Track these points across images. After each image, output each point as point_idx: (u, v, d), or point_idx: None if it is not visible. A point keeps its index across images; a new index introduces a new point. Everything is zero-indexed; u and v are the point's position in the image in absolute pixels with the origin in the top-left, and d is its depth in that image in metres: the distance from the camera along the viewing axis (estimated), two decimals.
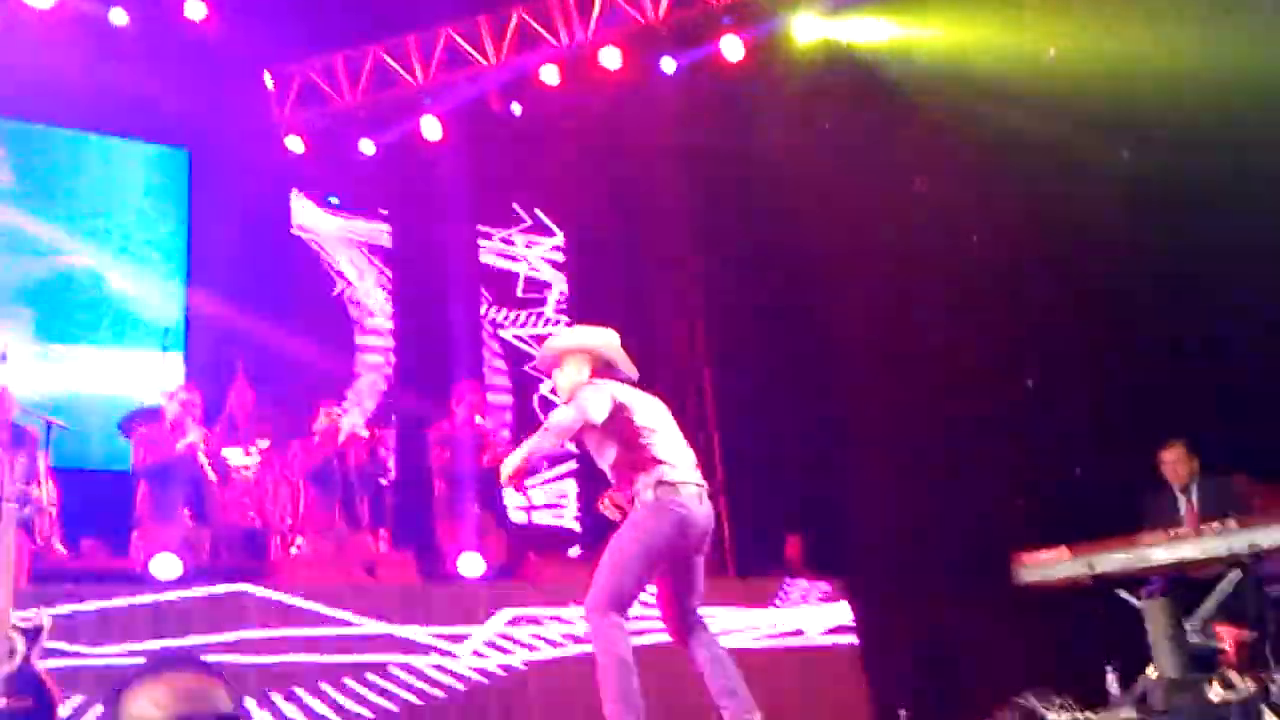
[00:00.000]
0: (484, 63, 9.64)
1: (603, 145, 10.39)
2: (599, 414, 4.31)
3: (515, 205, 11.04)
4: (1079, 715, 3.18)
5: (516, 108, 9.90)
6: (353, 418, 8.24)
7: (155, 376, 8.99)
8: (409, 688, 5.85)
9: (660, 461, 4.32)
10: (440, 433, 7.42)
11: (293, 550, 6.88)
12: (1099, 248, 7.37)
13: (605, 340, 4.70)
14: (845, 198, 8.47)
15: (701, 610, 4.41)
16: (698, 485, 4.39)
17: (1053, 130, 7.48)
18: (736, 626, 6.77)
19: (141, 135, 9.67)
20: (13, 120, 9.19)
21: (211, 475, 6.85)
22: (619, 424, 4.36)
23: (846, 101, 8.75)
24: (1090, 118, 7.36)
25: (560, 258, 11.12)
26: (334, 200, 10.41)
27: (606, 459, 4.44)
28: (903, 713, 4.72)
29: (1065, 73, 7.65)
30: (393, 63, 9.75)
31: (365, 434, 7.56)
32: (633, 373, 4.66)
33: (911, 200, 8.23)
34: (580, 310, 10.51)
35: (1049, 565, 5.11)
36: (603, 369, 4.60)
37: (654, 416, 4.45)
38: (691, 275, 10.25)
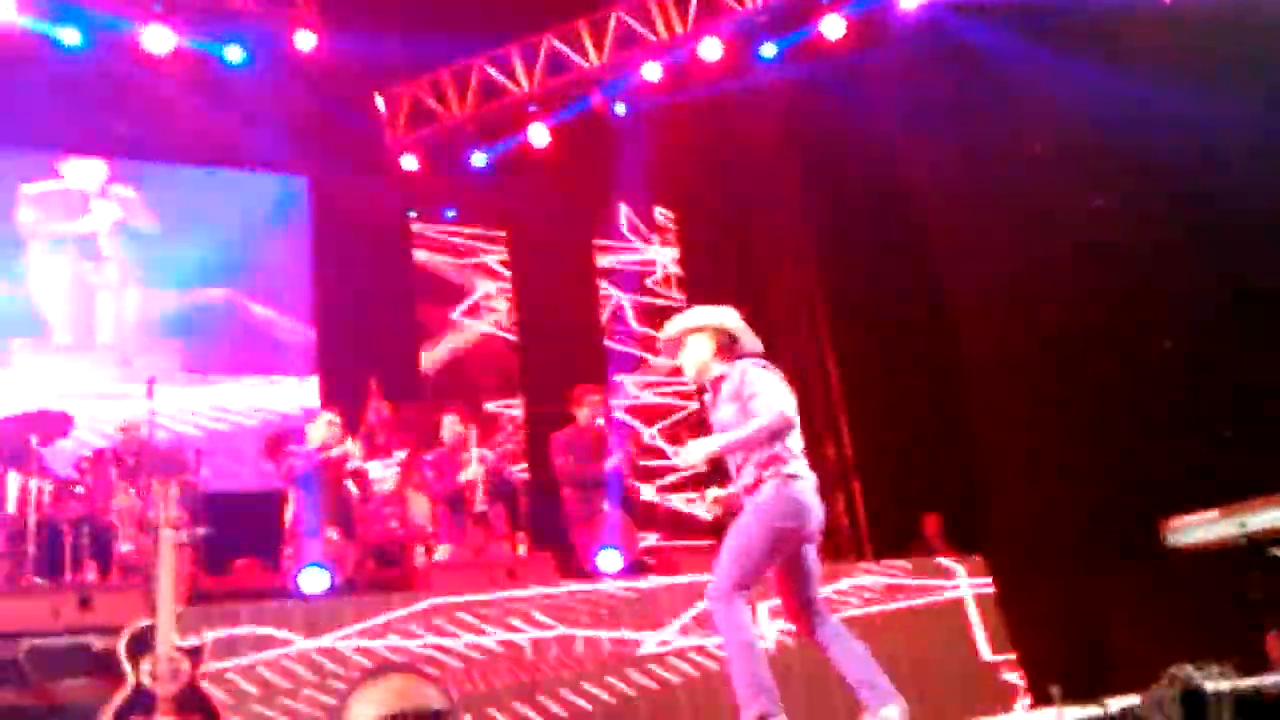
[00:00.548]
0: (586, 65, 9.73)
1: (710, 138, 10.37)
2: (790, 404, 4.33)
3: (627, 206, 11.10)
4: (1239, 683, 3.08)
5: (621, 108, 9.96)
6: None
7: (295, 399, 9.36)
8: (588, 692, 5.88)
9: (788, 453, 4.33)
10: (562, 439, 7.50)
11: (435, 557, 7.05)
12: (1230, 204, 7.08)
13: (726, 316, 4.61)
14: (960, 170, 8.31)
15: (823, 599, 4.39)
16: (814, 478, 4.38)
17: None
18: (876, 600, 6.71)
19: (263, 167, 10.00)
20: (144, 163, 9.61)
21: (354, 489, 7.06)
22: None
23: (955, 71, 8.56)
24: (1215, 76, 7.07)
25: (675, 253, 11.15)
26: (451, 214, 10.62)
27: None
28: (1055, 690, 4.61)
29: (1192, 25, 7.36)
30: (497, 74, 9.90)
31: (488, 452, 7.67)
32: (758, 346, 4.60)
33: (1028, 167, 8.02)
34: (699, 303, 10.51)
35: (1199, 527, 4.94)
36: (727, 345, 4.53)
37: (790, 406, 4.46)
38: (808, 260, 10.18)
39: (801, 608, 4.33)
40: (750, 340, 4.60)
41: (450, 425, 7.39)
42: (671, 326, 4.68)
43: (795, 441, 4.36)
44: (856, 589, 6.74)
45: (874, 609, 6.70)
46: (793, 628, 4.53)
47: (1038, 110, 8.02)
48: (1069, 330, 7.91)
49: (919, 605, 6.85)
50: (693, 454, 4.30)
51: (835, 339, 9.78)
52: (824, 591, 4.49)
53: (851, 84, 9.26)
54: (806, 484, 4.30)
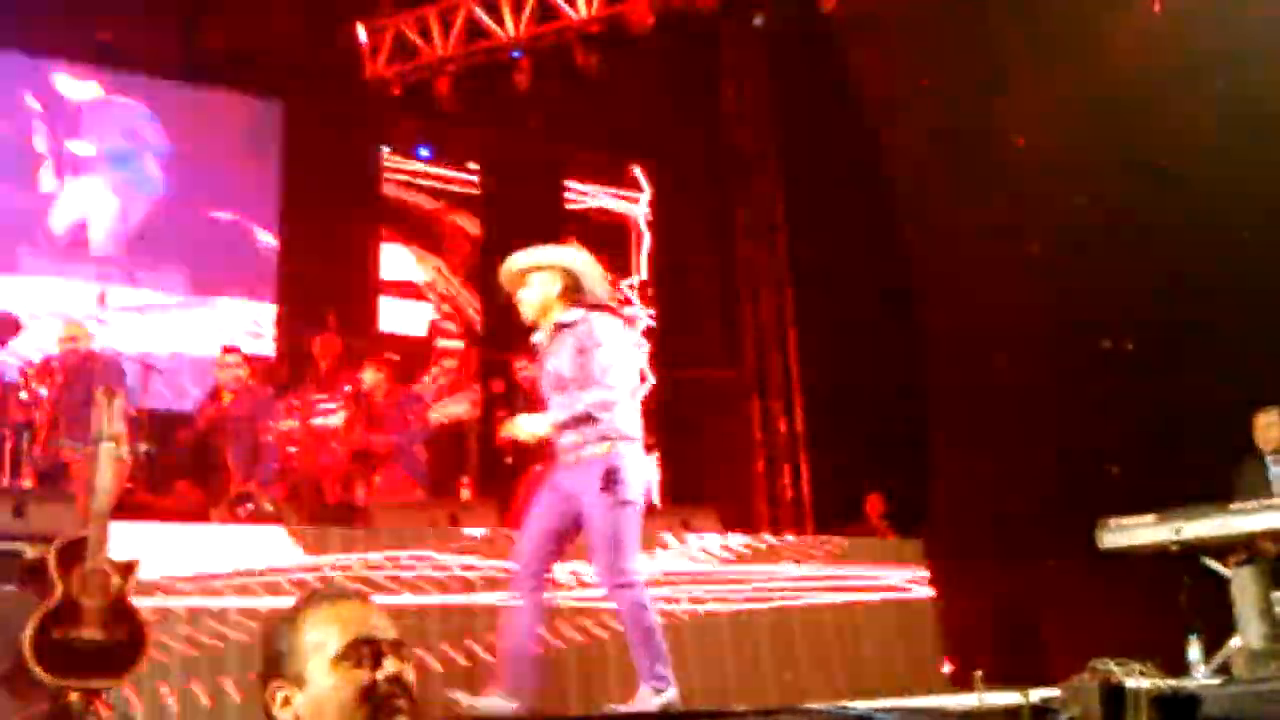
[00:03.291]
0: (574, 15, 9.62)
1: (693, 90, 10.30)
2: (637, 372, 4.29)
3: (604, 155, 11.02)
4: (1159, 682, 3.14)
5: (601, 57, 9.83)
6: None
7: (252, 322, 9.28)
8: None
9: (626, 417, 4.19)
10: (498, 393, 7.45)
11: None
12: (1197, 206, 7.14)
13: (578, 258, 4.42)
14: (941, 146, 8.28)
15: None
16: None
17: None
18: (815, 579, 6.75)
19: (240, 89, 9.85)
20: (133, 76, 9.41)
21: (300, 422, 7.01)
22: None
23: (948, 32, 8.38)
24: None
25: (646, 209, 11.09)
26: (424, 153, 10.50)
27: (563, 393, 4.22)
28: (978, 673, 4.70)
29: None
30: (484, 15, 9.77)
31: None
32: (606, 294, 4.43)
33: (1014, 150, 8.00)
34: (666, 259, 10.50)
35: (1135, 530, 5.02)
36: (573, 288, 4.33)
37: (637, 374, 4.34)
38: (777, 226, 10.16)
39: (542, 566, 4.23)
40: (601, 288, 4.44)
41: (370, 376, 7.35)
42: (518, 260, 4.46)
43: (635, 404, 4.27)
44: (792, 561, 6.78)
45: (804, 585, 6.73)
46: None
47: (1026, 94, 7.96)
48: (1035, 318, 7.96)
49: (850, 585, 6.91)
50: (527, 429, 4.22)
51: (799, 308, 9.80)
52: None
53: (841, 47, 9.15)
54: (639, 447, 4.22)
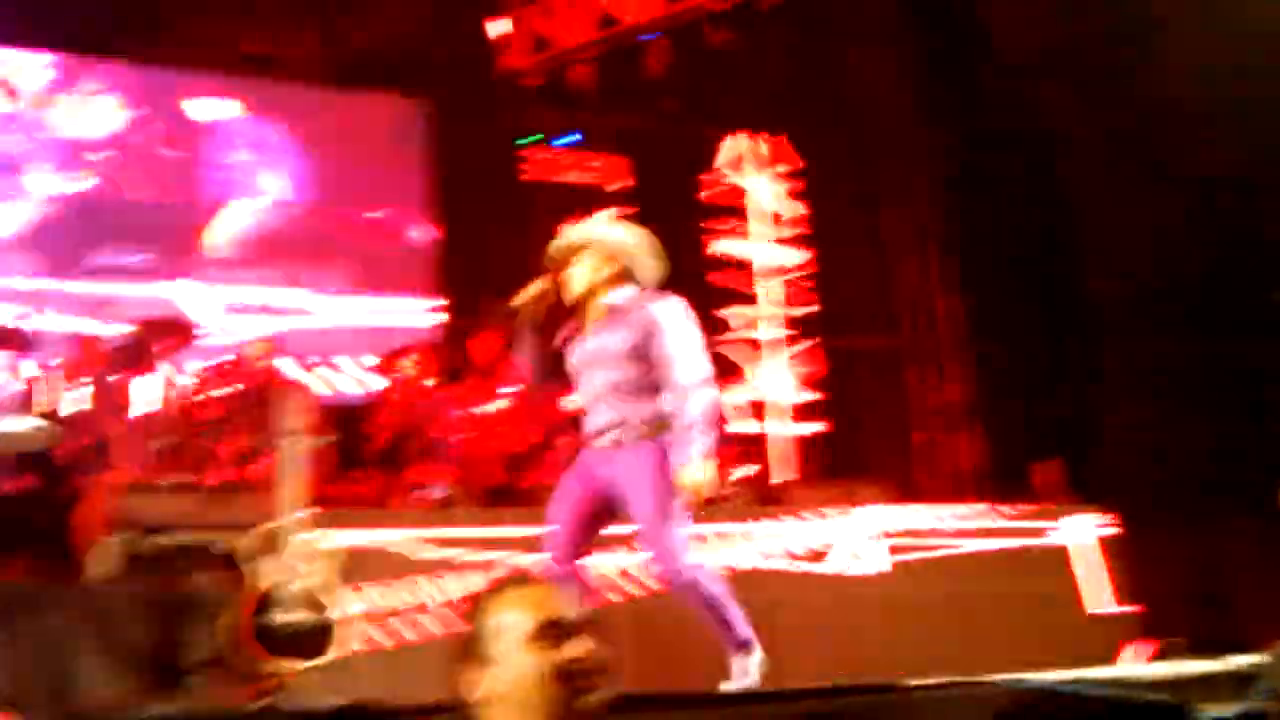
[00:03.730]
0: None
1: (827, 65, 10.18)
2: None
3: (743, 134, 10.96)
4: None
5: (733, 34, 9.76)
6: None
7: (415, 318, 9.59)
8: None
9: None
10: None
11: None
12: None
13: (631, 237, 4.23)
14: (1100, 103, 7.97)
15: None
16: None
17: None
18: (987, 551, 6.65)
19: (384, 89, 10.14)
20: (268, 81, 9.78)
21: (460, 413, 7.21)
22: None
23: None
24: None
25: (788, 185, 10.98)
26: (566, 141, 10.62)
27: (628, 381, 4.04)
28: (1175, 642, 4.57)
29: None
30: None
31: None
32: (659, 277, 4.20)
33: (1173, 108, 7.64)
34: (813, 239, 10.39)
35: None
36: (625, 273, 4.15)
37: None
38: (928, 193, 9.97)
39: (577, 554, 4.07)
40: (656, 269, 4.23)
41: None
42: (570, 235, 4.27)
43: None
44: (959, 529, 6.68)
45: (977, 555, 6.63)
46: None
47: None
48: (1203, 272, 7.64)
49: (1022, 549, 6.77)
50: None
51: (952, 278, 9.58)
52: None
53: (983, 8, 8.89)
54: None
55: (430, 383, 7.33)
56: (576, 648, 2.11)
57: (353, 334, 9.47)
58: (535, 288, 4.18)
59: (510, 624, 2.13)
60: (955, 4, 8.94)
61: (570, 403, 4.18)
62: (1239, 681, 3.36)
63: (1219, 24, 7.34)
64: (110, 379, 6.54)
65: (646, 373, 4.00)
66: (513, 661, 2.11)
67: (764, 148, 10.71)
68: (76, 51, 9.12)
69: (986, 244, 9.05)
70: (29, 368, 6.83)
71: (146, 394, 6.59)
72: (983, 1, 8.78)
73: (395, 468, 6.81)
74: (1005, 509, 6.87)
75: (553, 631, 2.12)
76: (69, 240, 8.91)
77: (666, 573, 3.96)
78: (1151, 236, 7.99)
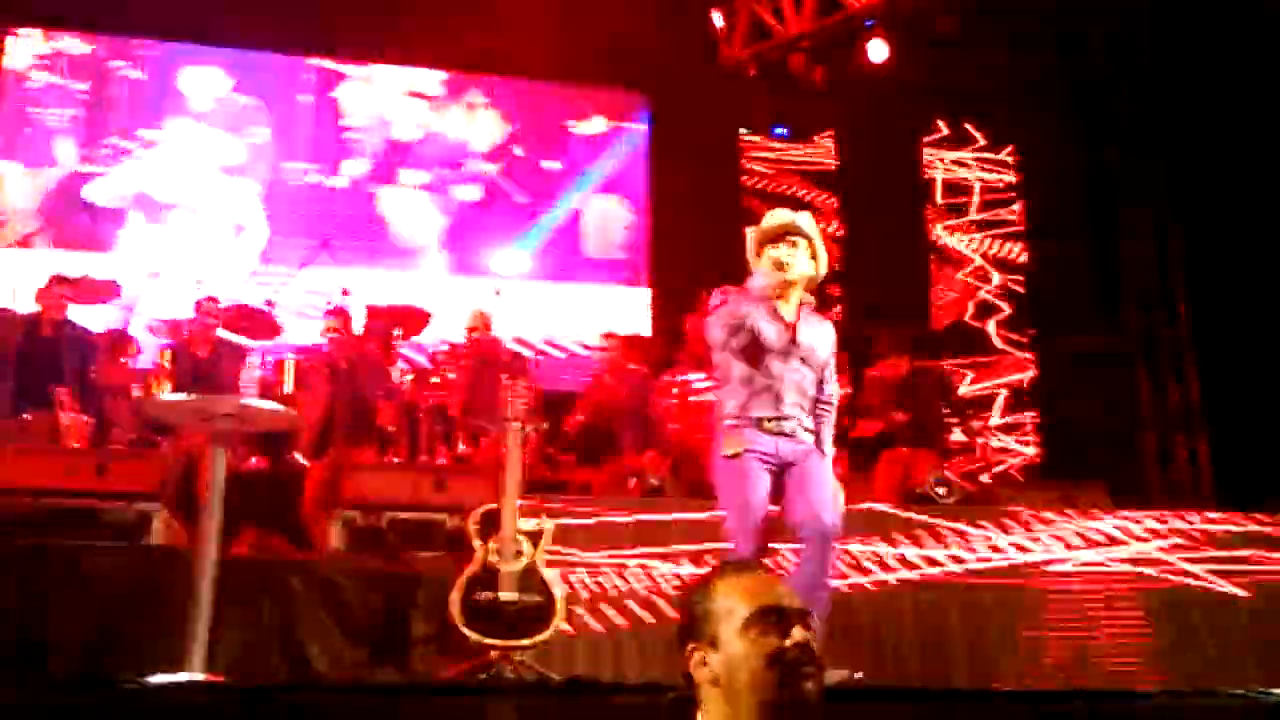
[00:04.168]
0: None
1: (1052, 51, 9.77)
2: None
3: (966, 124, 10.68)
4: None
5: (954, 23, 9.50)
6: None
7: (626, 308, 9.75)
8: None
9: None
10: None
11: None
12: None
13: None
14: None
15: None
16: None
17: None
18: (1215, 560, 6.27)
19: (603, 82, 10.35)
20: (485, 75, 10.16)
21: (679, 399, 7.28)
22: None
23: None
24: None
25: (1014, 177, 10.63)
26: (781, 131, 10.58)
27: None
28: None
29: None
30: None
31: None
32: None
33: None
34: (1039, 230, 10.02)
35: None
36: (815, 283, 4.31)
37: None
38: (1161, 187, 9.46)
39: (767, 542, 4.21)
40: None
41: None
42: (805, 223, 4.27)
43: None
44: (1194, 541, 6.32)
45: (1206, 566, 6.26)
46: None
47: None
48: None
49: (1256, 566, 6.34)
50: None
51: (1188, 274, 9.05)
52: None
53: None
54: None
55: (639, 368, 7.43)
56: (795, 635, 2.13)
57: (569, 321, 9.71)
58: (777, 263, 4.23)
59: (729, 609, 2.17)
60: None
61: (746, 381, 4.20)
62: None
63: None
64: (361, 362, 6.86)
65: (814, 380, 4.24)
66: (732, 647, 2.14)
67: (981, 138, 10.42)
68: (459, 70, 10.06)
69: (1221, 233, 8.47)
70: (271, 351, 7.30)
71: (382, 378, 6.93)
72: None
73: (608, 454, 6.94)
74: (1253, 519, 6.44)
75: (771, 619, 2.15)
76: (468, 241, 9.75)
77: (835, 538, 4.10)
78: None
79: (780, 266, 4.16)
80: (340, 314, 6.96)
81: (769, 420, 4.14)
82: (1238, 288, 8.43)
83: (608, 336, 7.69)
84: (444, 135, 10.05)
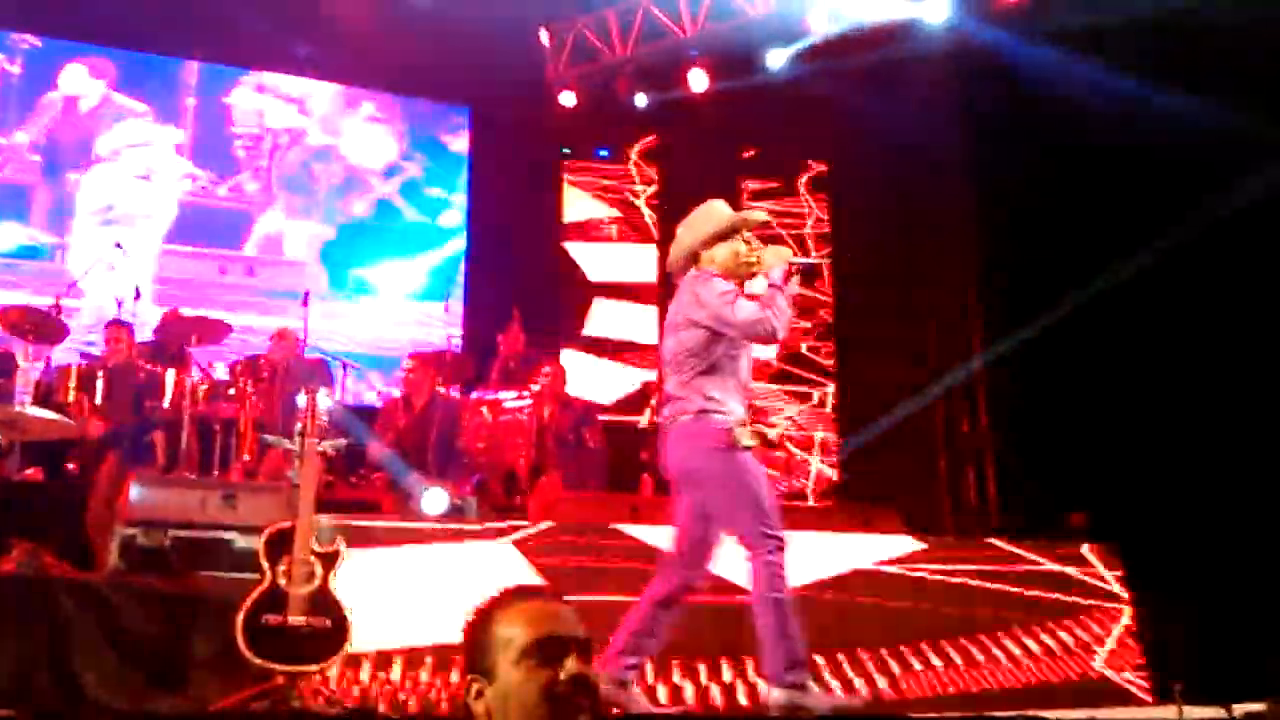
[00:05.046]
0: (751, 12, 9.59)
1: (872, 96, 10.11)
2: None
3: (781, 158, 10.93)
4: None
5: (781, 59, 9.75)
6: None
7: (439, 324, 9.61)
8: None
9: None
10: None
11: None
12: None
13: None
14: (1150, 146, 7.82)
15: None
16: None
17: None
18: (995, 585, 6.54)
19: (426, 93, 10.23)
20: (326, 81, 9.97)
21: (489, 417, 7.21)
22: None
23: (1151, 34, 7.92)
24: None
25: (825, 215, 10.91)
26: (603, 153, 10.64)
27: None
28: (1177, 687, 4.50)
29: None
30: (661, 15, 9.84)
31: None
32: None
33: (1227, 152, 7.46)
34: (848, 267, 10.33)
35: None
36: None
37: None
38: (967, 234, 9.86)
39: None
40: None
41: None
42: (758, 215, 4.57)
43: None
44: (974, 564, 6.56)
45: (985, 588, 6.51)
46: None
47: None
48: (1238, 326, 7.51)
49: (1034, 594, 6.65)
50: None
51: (987, 317, 9.42)
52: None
53: (1028, 46, 8.78)
54: None
55: (447, 390, 7.33)
56: (569, 667, 2.09)
57: (377, 335, 9.54)
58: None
59: (507, 639, 2.12)
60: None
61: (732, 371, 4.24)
62: None
63: None
64: (139, 372, 6.58)
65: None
66: (507, 679, 2.09)
67: (802, 174, 10.70)
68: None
69: (1024, 284, 8.88)
70: (53, 357, 6.90)
71: (174, 388, 6.64)
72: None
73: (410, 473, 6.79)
74: (1020, 549, 6.74)
75: (547, 649, 2.10)
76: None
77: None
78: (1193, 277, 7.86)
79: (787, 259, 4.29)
80: (116, 326, 6.75)
81: (745, 411, 4.23)
82: (1030, 324, 8.82)
83: (412, 357, 7.54)
84: (334, 148, 9.89)
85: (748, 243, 4.34)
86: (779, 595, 4.03)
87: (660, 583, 4.27)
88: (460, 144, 10.35)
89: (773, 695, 4.05)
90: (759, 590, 4.06)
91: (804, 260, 4.41)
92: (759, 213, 4.59)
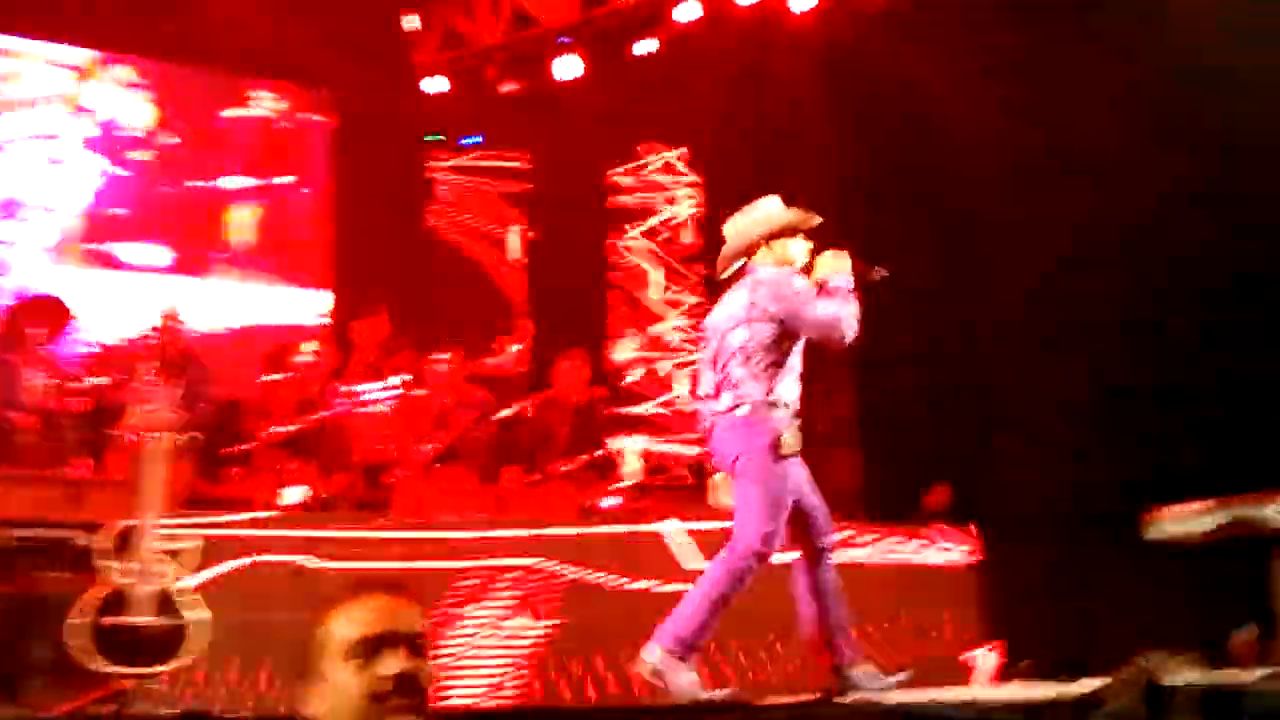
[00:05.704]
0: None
1: (743, 87, 10.18)
2: None
3: (652, 147, 10.90)
4: (1203, 677, 3.08)
5: (651, 45, 9.74)
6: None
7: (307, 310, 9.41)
8: None
9: None
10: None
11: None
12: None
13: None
14: (1012, 142, 8.05)
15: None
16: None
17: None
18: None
19: (286, 77, 9.94)
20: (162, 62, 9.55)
21: (341, 411, 7.05)
22: None
23: (1015, 27, 8.13)
24: None
25: (696, 204, 10.93)
26: (472, 141, 10.48)
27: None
28: (1024, 664, 4.65)
29: None
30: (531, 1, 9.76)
31: None
32: None
33: (1082, 147, 7.72)
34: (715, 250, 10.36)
35: (1187, 519, 4.89)
36: None
37: None
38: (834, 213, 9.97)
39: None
40: None
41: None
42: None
43: None
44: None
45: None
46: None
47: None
48: (1105, 307, 7.76)
49: (897, 569, 6.78)
50: None
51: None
52: None
53: (899, 37, 8.92)
54: None
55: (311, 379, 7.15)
56: (390, 665, 2.04)
57: (245, 321, 9.27)
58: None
59: (340, 638, 2.07)
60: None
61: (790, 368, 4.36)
62: (1086, 704, 3.40)
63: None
64: None
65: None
66: (336, 679, 2.04)
67: (674, 161, 10.70)
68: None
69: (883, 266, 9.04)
70: None
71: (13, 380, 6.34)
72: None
73: (264, 467, 6.61)
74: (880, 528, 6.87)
75: (369, 647, 2.05)
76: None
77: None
78: (1052, 266, 8.11)
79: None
80: None
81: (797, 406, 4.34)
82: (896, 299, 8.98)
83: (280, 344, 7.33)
84: (93, 113, 9.27)
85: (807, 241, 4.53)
86: (726, 595, 4.13)
87: (800, 575, 4.34)
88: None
89: (653, 652, 4.08)
90: (711, 580, 4.15)
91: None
92: (815, 216, 4.66)
